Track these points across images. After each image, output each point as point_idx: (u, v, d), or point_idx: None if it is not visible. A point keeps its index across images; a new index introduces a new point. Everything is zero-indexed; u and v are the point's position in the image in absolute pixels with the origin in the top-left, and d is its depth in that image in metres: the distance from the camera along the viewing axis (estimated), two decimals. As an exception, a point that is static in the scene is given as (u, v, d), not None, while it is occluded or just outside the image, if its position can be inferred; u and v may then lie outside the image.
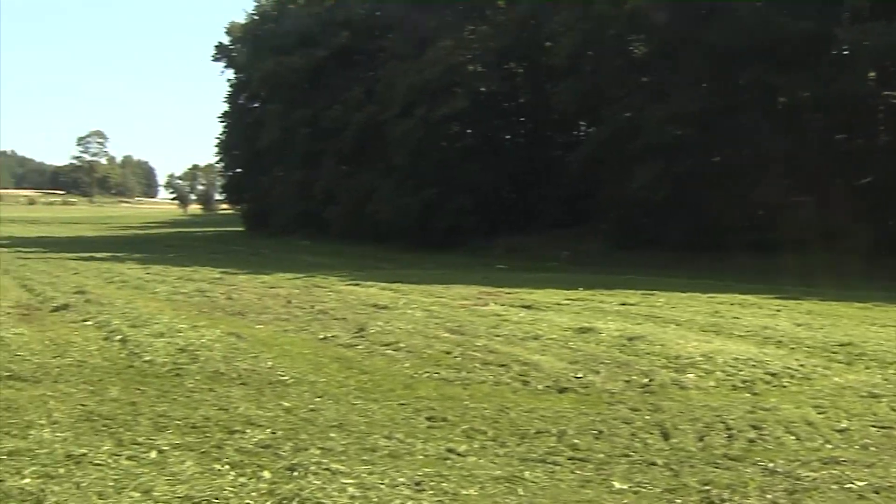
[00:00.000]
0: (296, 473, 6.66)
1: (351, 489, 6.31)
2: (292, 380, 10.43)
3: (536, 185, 47.94)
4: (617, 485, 6.63)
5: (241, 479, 6.56)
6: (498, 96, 51.83)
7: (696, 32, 36.26)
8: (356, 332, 14.14)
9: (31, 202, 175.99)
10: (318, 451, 7.29)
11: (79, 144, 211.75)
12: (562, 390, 9.97)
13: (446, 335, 13.99)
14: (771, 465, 7.08)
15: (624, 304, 18.81)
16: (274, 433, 7.91)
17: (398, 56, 53.43)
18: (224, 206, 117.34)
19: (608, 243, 40.97)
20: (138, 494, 6.19)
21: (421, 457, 7.27)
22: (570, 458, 7.26)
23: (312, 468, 6.75)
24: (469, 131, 51.03)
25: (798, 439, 7.92)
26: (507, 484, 6.57)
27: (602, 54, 43.12)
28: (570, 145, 49.41)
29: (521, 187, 49.46)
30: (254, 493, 6.25)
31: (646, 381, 10.37)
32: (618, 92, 42.08)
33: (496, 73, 50.59)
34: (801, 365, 11.46)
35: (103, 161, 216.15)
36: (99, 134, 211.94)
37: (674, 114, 36.98)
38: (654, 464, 7.14)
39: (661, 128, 37.37)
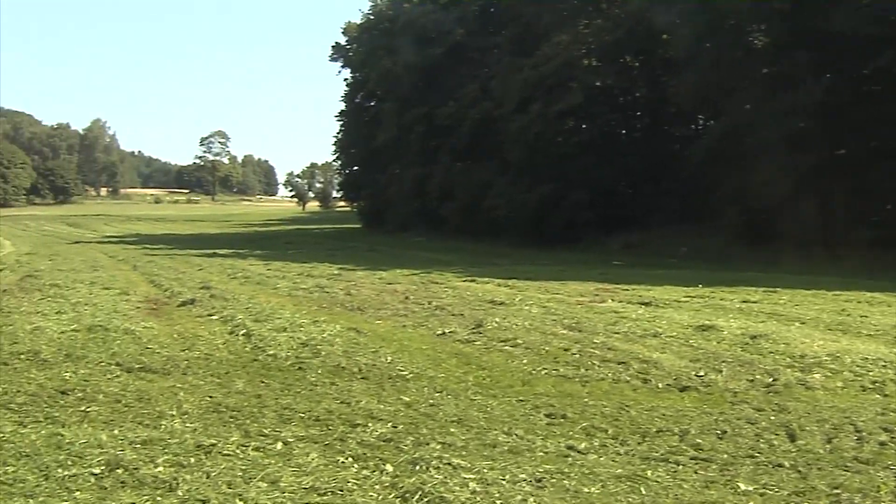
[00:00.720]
0: (417, 467, 6.72)
1: (472, 484, 6.33)
2: (412, 375, 10.54)
3: (654, 180, 47.24)
4: (742, 486, 6.49)
5: (364, 472, 6.65)
6: (614, 90, 51.20)
7: (821, 20, 35.13)
8: (474, 328, 14.19)
9: (157, 201, 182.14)
10: (438, 446, 7.35)
11: (202, 144, 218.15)
12: (683, 389, 9.82)
13: (564, 332, 13.93)
14: (904, 469, 6.85)
15: (745, 302, 18.38)
16: (395, 427, 8.00)
17: (513, 52, 53.33)
18: (341, 203, 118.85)
19: (728, 239, 40.03)
20: (265, 485, 6.32)
21: (541, 453, 7.25)
22: (692, 458, 7.15)
23: (434, 462, 6.79)
24: (584, 126, 50.48)
25: (933, 442, 7.65)
26: (629, 483, 6.51)
27: (721, 46, 42.06)
28: (688, 139, 48.51)
29: (638, 182, 48.80)
30: (377, 486, 6.33)
31: (770, 380, 10.14)
32: (737, 84, 41.06)
33: (612, 67, 49.99)
34: (935, 365, 11.05)
35: (225, 160, 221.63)
36: (221, 134, 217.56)
37: (796, 105, 35.89)
38: (780, 465, 6.98)
39: (783, 120, 36.33)
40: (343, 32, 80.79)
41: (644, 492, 6.35)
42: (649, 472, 6.75)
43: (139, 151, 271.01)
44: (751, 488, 6.45)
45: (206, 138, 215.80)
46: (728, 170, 40.42)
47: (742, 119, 39.51)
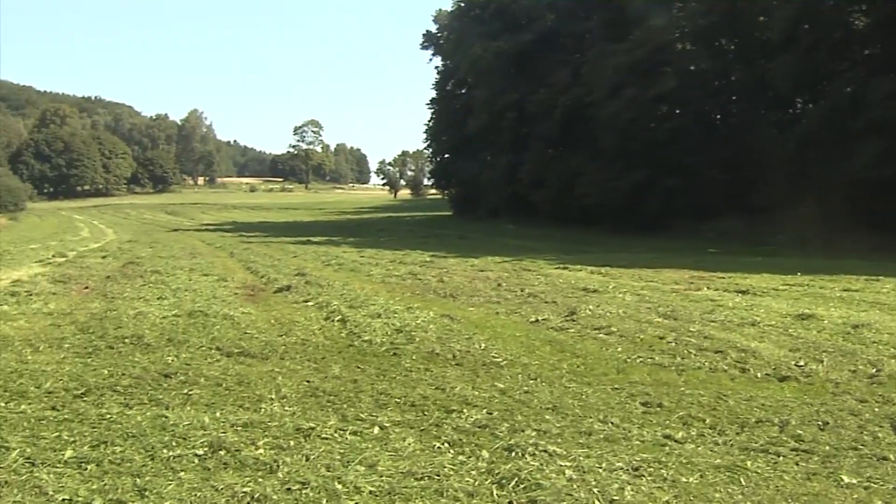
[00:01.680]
0: (513, 454, 6.72)
1: (568, 472, 6.31)
2: (506, 361, 10.54)
3: (749, 166, 46.27)
4: (846, 479, 6.33)
5: (461, 458, 6.68)
6: (708, 74, 50.34)
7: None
8: (567, 316, 14.13)
9: (253, 189, 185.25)
10: (533, 433, 7.33)
11: (295, 133, 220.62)
12: (782, 379, 9.63)
13: (659, 320, 13.79)
14: None
15: (847, 290, 17.96)
16: (490, 413, 8.01)
17: (605, 37, 52.80)
18: (432, 191, 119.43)
19: (827, 226, 39.08)
20: (363, 468, 6.38)
21: (637, 442, 7.20)
22: (793, 450, 7.01)
23: (529, 449, 6.78)
24: (678, 112, 49.76)
25: None
26: (728, 473, 6.41)
27: (819, 27, 41.05)
28: (786, 123, 47.39)
29: (733, 168, 47.89)
30: (473, 472, 6.34)
31: (873, 371, 9.88)
32: (837, 66, 40.06)
33: (706, 50, 49.21)
34: None
35: (318, 149, 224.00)
36: (314, 123, 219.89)
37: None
38: (885, 458, 6.79)
39: (885, 103, 35.29)
40: (434, 20, 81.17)
41: (743, 483, 6.25)
42: (749, 463, 6.64)
43: (235, 141, 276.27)
44: (854, 481, 6.30)
45: (300, 127, 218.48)
46: (827, 154, 39.44)
47: (842, 102, 38.48)
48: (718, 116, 53.87)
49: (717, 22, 47.50)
